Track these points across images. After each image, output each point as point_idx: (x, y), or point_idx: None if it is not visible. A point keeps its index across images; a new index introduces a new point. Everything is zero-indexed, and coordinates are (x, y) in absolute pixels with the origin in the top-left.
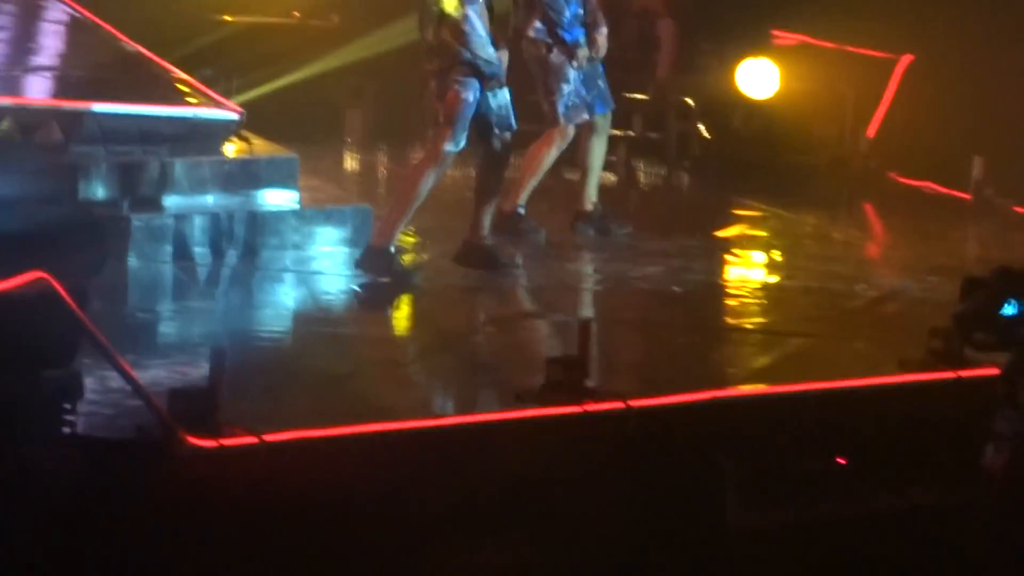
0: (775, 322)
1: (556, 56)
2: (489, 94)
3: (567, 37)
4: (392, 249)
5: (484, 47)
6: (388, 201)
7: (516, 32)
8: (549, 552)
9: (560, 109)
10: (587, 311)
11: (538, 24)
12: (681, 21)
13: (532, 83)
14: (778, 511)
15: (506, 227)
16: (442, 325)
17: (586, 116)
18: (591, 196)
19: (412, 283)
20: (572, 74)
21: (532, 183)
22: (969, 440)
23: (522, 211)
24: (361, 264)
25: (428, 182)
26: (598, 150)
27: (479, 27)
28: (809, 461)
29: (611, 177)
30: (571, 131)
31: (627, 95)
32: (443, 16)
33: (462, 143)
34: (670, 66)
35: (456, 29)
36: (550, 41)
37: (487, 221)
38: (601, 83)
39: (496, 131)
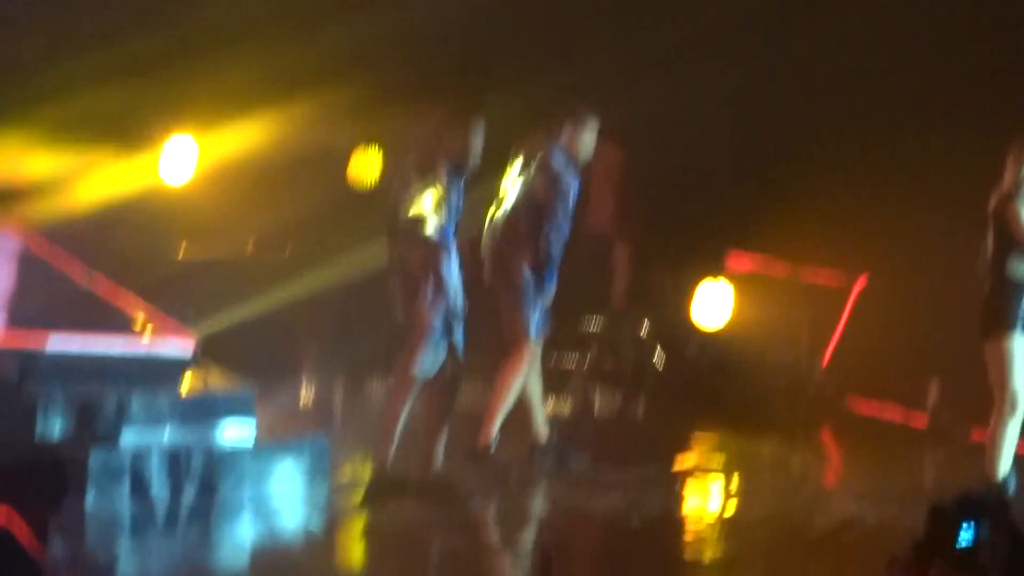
0: (734, 555)
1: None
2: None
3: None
4: None
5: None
6: (346, 433)
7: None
8: None
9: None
10: (547, 544)
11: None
12: (634, 244)
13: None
14: None
15: (481, 461)
16: (399, 562)
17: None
18: (541, 426)
19: (368, 514)
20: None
21: (504, 411)
22: None
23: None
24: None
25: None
26: (534, 378)
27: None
28: None
29: (567, 407)
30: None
31: (581, 327)
32: (422, 238)
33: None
34: (624, 293)
35: (434, 253)
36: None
37: (439, 452)
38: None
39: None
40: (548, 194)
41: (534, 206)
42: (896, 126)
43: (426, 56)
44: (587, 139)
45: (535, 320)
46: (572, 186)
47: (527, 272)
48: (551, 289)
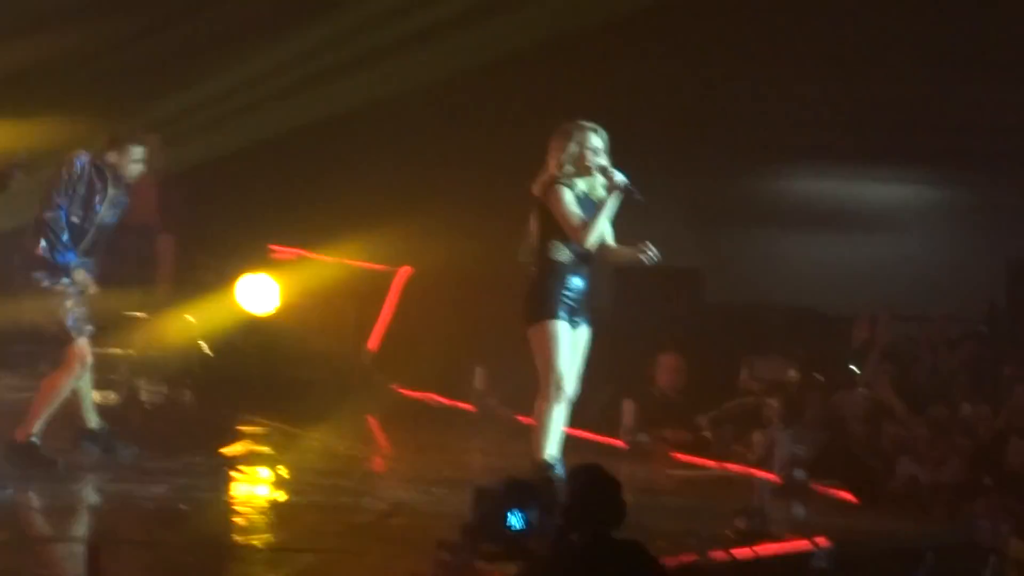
0: (283, 539)
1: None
2: None
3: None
4: None
5: None
6: None
7: None
8: None
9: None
10: (93, 533)
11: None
12: (179, 235)
13: None
14: None
15: (19, 459)
16: None
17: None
18: (91, 415)
19: None
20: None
21: (49, 411)
22: None
23: (35, 441)
24: None
25: None
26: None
27: None
28: None
29: (113, 396)
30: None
31: (127, 313)
32: None
33: None
34: (169, 282)
35: None
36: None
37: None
38: None
39: None
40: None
41: (36, 217)
42: (426, 117)
43: None
44: (132, 164)
45: (71, 319)
46: (99, 188)
47: (41, 277)
48: (80, 282)
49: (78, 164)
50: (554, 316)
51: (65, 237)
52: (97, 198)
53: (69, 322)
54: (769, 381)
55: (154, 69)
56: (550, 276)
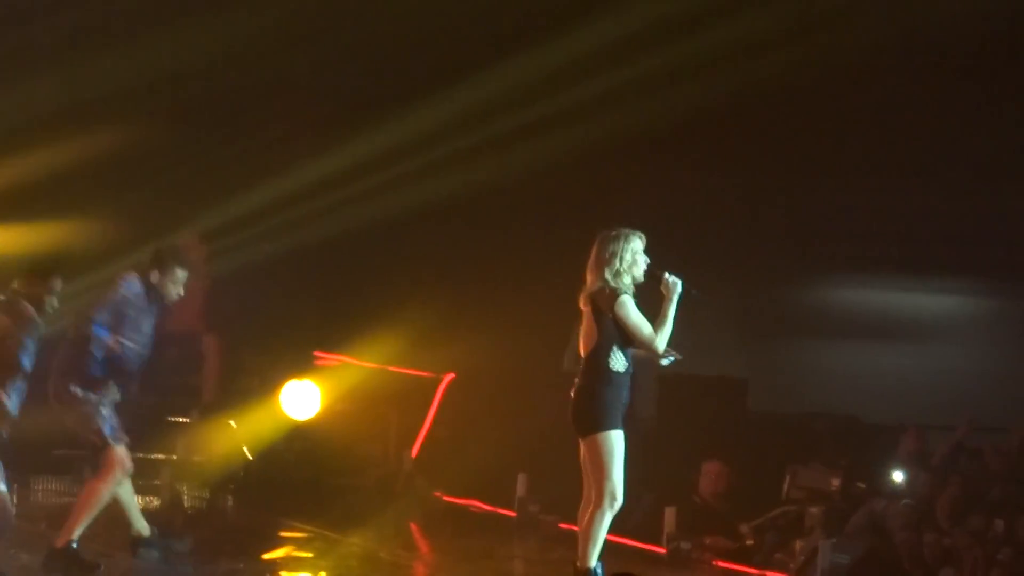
0: None
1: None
2: None
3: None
4: None
5: None
6: None
7: None
8: None
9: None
10: None
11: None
12: (225, 337)
13: None
14: None
15: (59, 564)
16: None
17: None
18: (140, 523)
19: None
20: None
21: (89, 517)
22: None
23: (75, 546)
24: None
25: None
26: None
27: None
28: None
29: (155, 501)
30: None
31: (170, 418)
32: None
33: None
34: (215, 384)
35: None
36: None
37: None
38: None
39: None
40: (84, 325)
41: (76, 331)
42: (468, 225)
43: None
44: (173, 283)
45: (107, 427)
46: (143, 310)
47: (76, 389)
48: (112, 395)
49: (125, 288)
50: (616, 427)
51: (100, 355)
52: (146, 322)
53: (107, 431)
54: (812, 490)
55: (202, 176)
56: (608, 385)
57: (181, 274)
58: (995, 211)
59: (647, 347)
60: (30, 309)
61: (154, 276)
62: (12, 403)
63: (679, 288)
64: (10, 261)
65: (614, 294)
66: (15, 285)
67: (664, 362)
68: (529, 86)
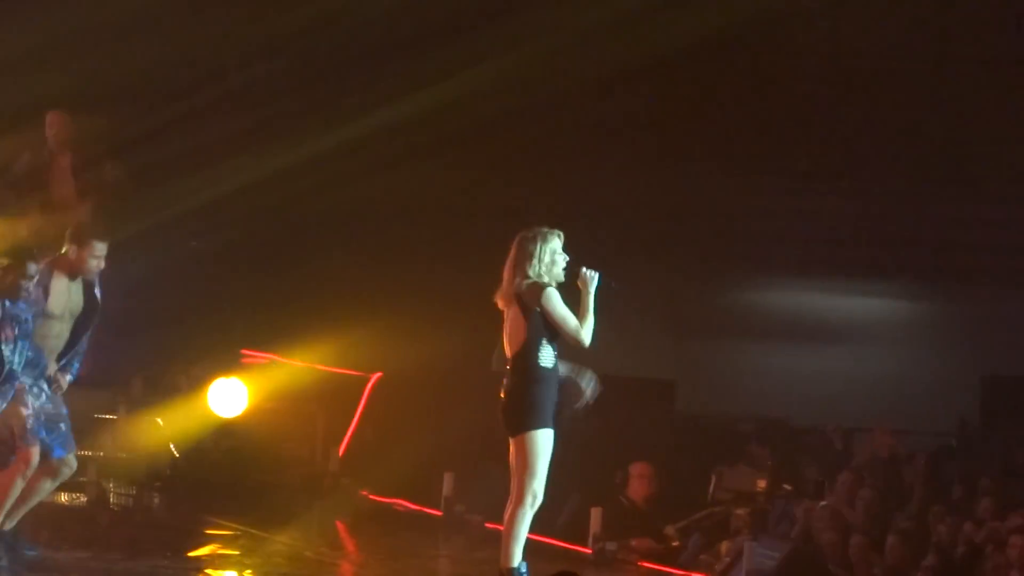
0: None
1: None
2: None
3: None
4: None
5: None
6: None
7: None
8: None
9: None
10: None
11: None
12: (151, 334)
13: None
14: None
15: None
16: None
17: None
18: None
19: None
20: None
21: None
22: None
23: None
24: None
25: None
26: (45, 487)
27: None
28: None
29: (81, 497)
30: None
31: (97, 415)
32: None
33: None
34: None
35: None
36: None
37: None
38: (63, 425)
39: None
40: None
41: None
42: (395, 223)
43: None
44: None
45: (30, 426)
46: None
47: None
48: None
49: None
50: (547, 425)
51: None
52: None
53: (27, 432)
54: (737, 491)
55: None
56: (537, 383)
57: (100, 247)
58: (922, 215)
59: (573, 339)
60: None
61: (71, 252)
62: None
63: (596, 281)
64: None
65: (540, 287)
66: None
67: (588, 394)
68: (458, 87)
